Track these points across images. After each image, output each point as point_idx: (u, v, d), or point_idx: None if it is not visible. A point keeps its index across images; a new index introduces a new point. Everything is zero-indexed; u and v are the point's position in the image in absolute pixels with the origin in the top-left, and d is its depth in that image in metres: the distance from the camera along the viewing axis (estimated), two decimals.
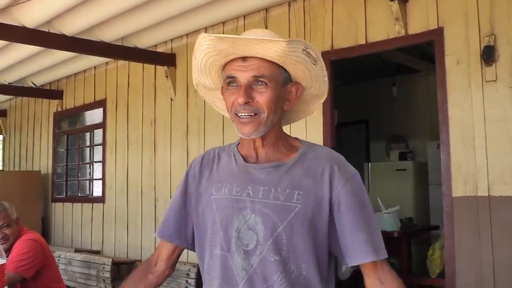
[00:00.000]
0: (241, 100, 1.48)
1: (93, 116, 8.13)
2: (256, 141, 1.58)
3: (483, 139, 3.95)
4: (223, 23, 5.81)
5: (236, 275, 1.51)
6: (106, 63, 7.56)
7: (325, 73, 1.60)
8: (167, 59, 6.43)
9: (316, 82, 1.60)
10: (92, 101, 7.98)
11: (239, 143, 1.67)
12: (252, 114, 1.50)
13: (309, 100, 1.66)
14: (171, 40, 6.42)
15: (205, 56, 1.55)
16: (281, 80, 1.54)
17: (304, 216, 1.49)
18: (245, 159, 1.61)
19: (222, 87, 1.59)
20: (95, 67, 7.80)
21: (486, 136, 3.93)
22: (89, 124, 8.26)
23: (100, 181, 7.75)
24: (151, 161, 6.80)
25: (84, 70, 8.00)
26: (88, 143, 8.31)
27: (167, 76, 6.40)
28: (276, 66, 1.51)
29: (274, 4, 5.26)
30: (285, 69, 1.54)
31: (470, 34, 4.04)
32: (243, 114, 1.50)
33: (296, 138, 1.65)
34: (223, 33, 5.82)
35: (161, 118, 6.68)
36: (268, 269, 1.48)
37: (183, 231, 1.70)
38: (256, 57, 1.49)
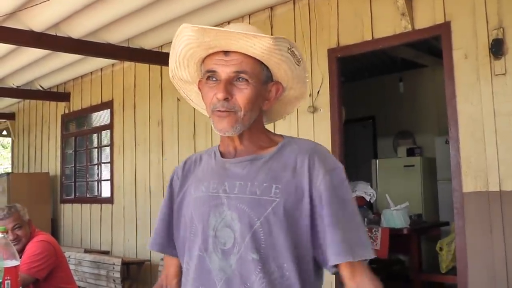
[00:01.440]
0: (220, 95, 1.42)
1: (101, 117, 8.15)
2: (234, 139, 1.51)
3: (493, 133, 3.91)
4: (228, 22, 5.78)
5: (214, 276, 1.43)
6: (113, 64, 7.58)
7: (307, 74, 1.56)
8: None
9: (297, 83, 1.55)
10: (99, 102, 8.00)
11: (219, 144, 1.61)
12: (229, 110, 1.43)
13: (287, 101, 1.61)
14: None
15: (185, 47, 1.48)
16: (262, 78, 1.47)
17: (282, 211, 1.39)
18: (223, 156, 1.55)
19: (199, 81, 1.53)
20: (101, 69, 7.83)
21: (496, 130, 3.89)
22: (97, 125, 8.29)
23: (109, 182, 7.77)
24: (159, 161, 6.80)
25: (91, 72, 8.03)
26: (95, 144, 8.35)
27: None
28: (258, 63, 1.45)
29: (279, 2, 5.25)
30: (267, 67, 1.48)
31: (477, 28, 4.01)
32: (220, 109, 1.43)
33: (280, 135, 1.57)
34: None
35: (168, 118, 6.69)
36: (247, 268, 1.39)
37: (172, 239, 1.62)
38: (239, 52, 1.43)
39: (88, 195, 8.39)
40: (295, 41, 5.15)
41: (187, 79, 1.60)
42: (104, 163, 8.04)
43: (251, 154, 1.50)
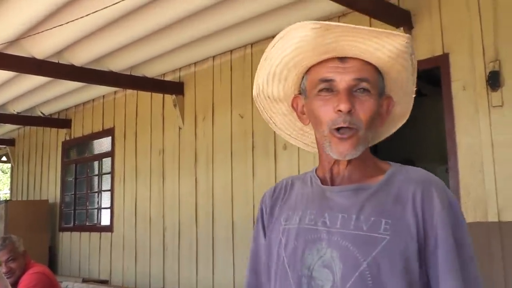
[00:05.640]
0: (344, 106, 1.18)
1: (102, 145, 8.17)
2: (341, 162, 1.28)
3: (491, 164, 3.93)
4: (231, 51, 5.87)
5: None
6: (115, 92, 7.63)
7: (415, 88, 1.33)
8: (175, 88, 6.49)
9: (405, 98, 1.33)
10: (101, 130, 8.03)
11: (317, 168, 1.38)
12: (353, 128, 1.20)
13: (390, 120, 1.37)
14: (179, 68, 6.49)
15: (293, 51, 1.24)
16: (378, 90, 1.25)
17: (394, 251, 1.15)
18: (322, 182, 1.32)
19: (294, 98, 1.33)
20: (103, 96, 7.88)
21: (495, 161, 3.92)
22: (98, 153, 8.30)
23: (108, 210, 7.74)
24: (159, 190, 6.80)
25: (93, 99, 8.08)
26: (96, 172, 8.35)
27: (175, 105, 6.44)
28: (376, 71, 1.24)
29: (261, 39, 5.32)
30: (382, 77, 1.27)
31: (475, 60, 4.06)
32: (343, 126, 1.19)
33: (387, 162, 1.35)
34: (231, 61, 5.90)
35: (169, 147, 6.70)
36: None
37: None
38: (356, 59, 1.22)
39: (87, 223, 8.35)
40: None
41: (278, 95, 1.37)
42: (104, 191, 8.02)
43: (356, 182, 1.27)
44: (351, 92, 1.20)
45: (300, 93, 1.33)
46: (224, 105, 5.96)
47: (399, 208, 1.20)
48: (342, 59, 1.21)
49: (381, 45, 1.18)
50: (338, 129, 1.21)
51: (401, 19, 4.33)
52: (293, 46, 1.22)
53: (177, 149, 6.57)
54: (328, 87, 1.22)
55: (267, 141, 5.44)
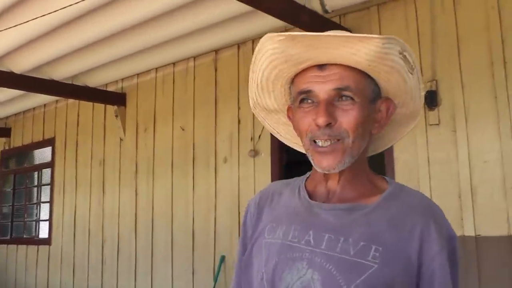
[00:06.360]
0: (321, 120, 1.11)
1: (42, 154, 7.95)
2: (332, 176, 1.20)
3: (427, 180, 4.01)
4: (174, 63, 5.83)
5: None
6: (56, 101, 7.45)
7: (422, 85, 1.23)
8: (117, 99, 6.39)
9: (411, 98, 1.23)
10: (41, 139, 7.82)
11: (308, 177, 1.30)
12: (335, 140, 1.13)
13: (397, 123, 1.29)
14: (122, 79, 6.40)
15: (269, 65, 1.18)
16: (369, 95, 1.17)
17: (381, 281, 1.06)
18: (311, 196, 1.23)
19: (288, 108, 1.26)
20: (44, 105, 7.69)
21: (431, 177, 4.00)
22: (38, 163, 8.07)
23: (47, 222, 7.52)
24: (99, 201, 6.65)
25: (34, 108, 7.87)
26: (36, 183, 8.10)
27: (117, 116, 6.34)
28: (362, 75, 1.15)
29: (224, 46, 5.32)
30: (373, 80, 1.18)
31: None
32: (322, 140, 1.14)
33: (383, 178, 1.25)
34: (173, 74, 5.85)
35: (110, 158, 6.58)
36: None
37: None
38: (337, 64, 1.13)
39: (25, 236, 8.08)
40: (238, 85, 5.20)
41: (273, 107, 1.31)
42: (43, 202, 7.79)
43: (348, 200, 1.19)
44: (332, 103, 1.13)
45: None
46: (166, 117, 5.91)
47: (394, 236, 1.10)
48: (321, 66, 1.14)
49: (356, 49, 1.08)
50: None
51: None
52: (268, 59, 1.17)
53: (118, 160, 6.45)
54: (308, 98, 1.16)
55: (208, 154, 5.41)
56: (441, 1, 4.06)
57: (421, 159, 4.06)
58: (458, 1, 3.98)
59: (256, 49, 1.18)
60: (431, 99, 4.02)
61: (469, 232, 3.77)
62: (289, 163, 5.34)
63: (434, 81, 4.02)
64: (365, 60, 1.10)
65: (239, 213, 5.02)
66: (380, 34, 4.26)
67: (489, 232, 3.70)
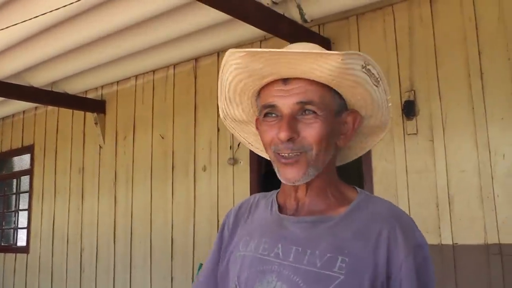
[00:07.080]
0: (283, 135, 1.12)
1: (20, 162, 7.87)
2: (299, 188, 1.21)
3: (405, 189, 4.04)
4: (153, 71, 5.82)
5: None
6: (35, 107, 7.38)
7: (389, 96, 1.24)
8: (96, 106, 6.35)
9: (378, 110, 1.23)
10: (20, 146, 7.73)
11: (279, 190, 1.33)
12: (298, 153, 1.14)
13: (367, 132, 1.30)
14: (101, 86, 6.37)
15: (234, 78, 1.19)
16: (334, 108, 1.17)
17: None
18: (281, 209, 1.26)
19: (257, 119, 1.27)
20: (24, 111, 7.61)
21: (408, 186, 4.03)
22: (16, 170, 7.98)
23: (25, 230, 7.43)
24: (78, 209, 6.59)
25: (13, 114, 7.79)
26: (14, 190, 8.01)
27: (96, 123, 6.30)
28: (327, 89, 1.15)
29: (203, 54, 5.31)
30: (338, 94, 1.18)
31: (391, 89, 4.16)
32: (285, 154, 1.15)
33: (353, 188, 1.26)
34: (153, 82, 5.83)
35: (89, 165, 6.53)
36: None
37: None
38: (301, 78, 1.14)
39: (2, 244, 7.97)
40: (217, 93, 5.18)
41: (241, 118, 1.33)
42: (21, 210, 7.70)
43: (316, 212, 1.20)
44: (295, 117, 1.14)
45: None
46: (145, 125, 5.89)
47: (360, 245, 1.11)
48: (285, 80, 1.15)
49: (318, 65, 1.09)
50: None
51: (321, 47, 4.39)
52: (232, 73, 1.18)
53: (97, 167, 6.40)
54: (272, 112, 1.17)
55: (187, 162, 5.40)
56: (419, 12, 4.10)
57: (399, 168, 4.08)
58: (436, 13, 4.02)
59: (222, 62, 1.19)
60: (409, 109, 4.05)
61: (447, 240, 3.80)
62: (267, 172, 5.35)
63: (412, 91, 4.06)
64: (328, 75, 1.11)
65: (218, 220, 5.01)
66: (359, 43, 4.35)
67: (466, 240, 3.73)
